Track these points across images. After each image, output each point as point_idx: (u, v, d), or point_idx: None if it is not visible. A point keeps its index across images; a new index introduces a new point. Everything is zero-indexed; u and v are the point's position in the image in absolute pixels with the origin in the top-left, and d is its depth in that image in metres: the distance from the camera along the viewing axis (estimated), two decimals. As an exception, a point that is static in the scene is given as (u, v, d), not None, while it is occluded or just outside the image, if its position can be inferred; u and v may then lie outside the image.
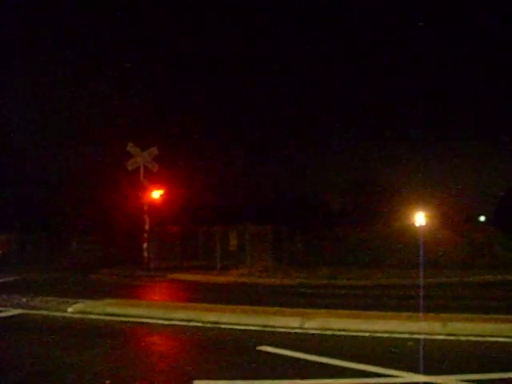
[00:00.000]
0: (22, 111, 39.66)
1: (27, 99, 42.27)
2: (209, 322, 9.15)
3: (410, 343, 7.30)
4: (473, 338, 7.40)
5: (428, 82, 61.64)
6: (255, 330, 8.54)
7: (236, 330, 8.67)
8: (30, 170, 36.95)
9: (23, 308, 11.49)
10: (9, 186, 34.26)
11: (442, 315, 8.70)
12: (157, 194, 24.75)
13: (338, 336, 7.95)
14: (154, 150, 25.03)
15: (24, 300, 12.34)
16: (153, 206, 24.97)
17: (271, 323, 8.81)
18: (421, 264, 17.35)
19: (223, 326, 8.91)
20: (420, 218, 34.97)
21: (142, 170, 24.53)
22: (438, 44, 58.12)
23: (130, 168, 24.57)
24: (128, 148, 24.53)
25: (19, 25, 46.26)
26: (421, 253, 19.87)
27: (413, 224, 33.66)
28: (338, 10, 60.81)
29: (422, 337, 7.53)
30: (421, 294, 11.77)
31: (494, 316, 8.57)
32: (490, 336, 7.44)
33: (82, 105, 46.83)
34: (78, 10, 47.67)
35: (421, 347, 6.96)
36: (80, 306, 11.21)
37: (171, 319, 9.61)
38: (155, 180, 25.40)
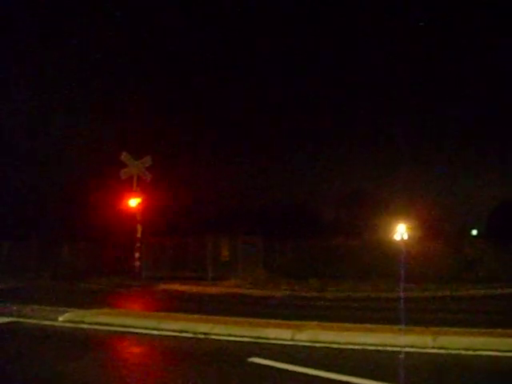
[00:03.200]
0: (16, 114, 39.55)
1: (23, 102, 42.15)
2: (200, 333, 9.12)
3: (400, 356, 7.33)
4: (463, 352, 7.42)
5: (424, 91, 62.04)
6: (246, 342, 8.53)
7: (227, 341, 8.65)
8: (22, 176, 36.84)
9: (14, 316, 11.44)
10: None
11: (432, 329, 8.72)
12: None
13: (329, 348, 7.96)
14: (148, 160, 25.04)
15: (14, 308, 12.25)
16: (146, 215, 24.87)
17: (262, 335, 8.80)
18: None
19: (214, 337, 8.89)
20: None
21: (135, 180, 24.53)
22: (437, 44, 58.47)
23: (123, 177, 24.60)
24: (122, 157, 24.54)
25: (18, 23, 46.27)
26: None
27: (400, 236, 33.87)
28: (337, 9, 61.14)
29: (412, 350, 7.56)
30: (411, 307, 11.80)
31: (485, 330, 8.60)
32: (481, 350, 7.46)
33: (77, 110, 46.81)
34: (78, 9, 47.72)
35: (411, 361, 6.99)
36: (70, 315, 11.16)
37: (162, 330, 9.58)
38: (149, 189, 25.37)
